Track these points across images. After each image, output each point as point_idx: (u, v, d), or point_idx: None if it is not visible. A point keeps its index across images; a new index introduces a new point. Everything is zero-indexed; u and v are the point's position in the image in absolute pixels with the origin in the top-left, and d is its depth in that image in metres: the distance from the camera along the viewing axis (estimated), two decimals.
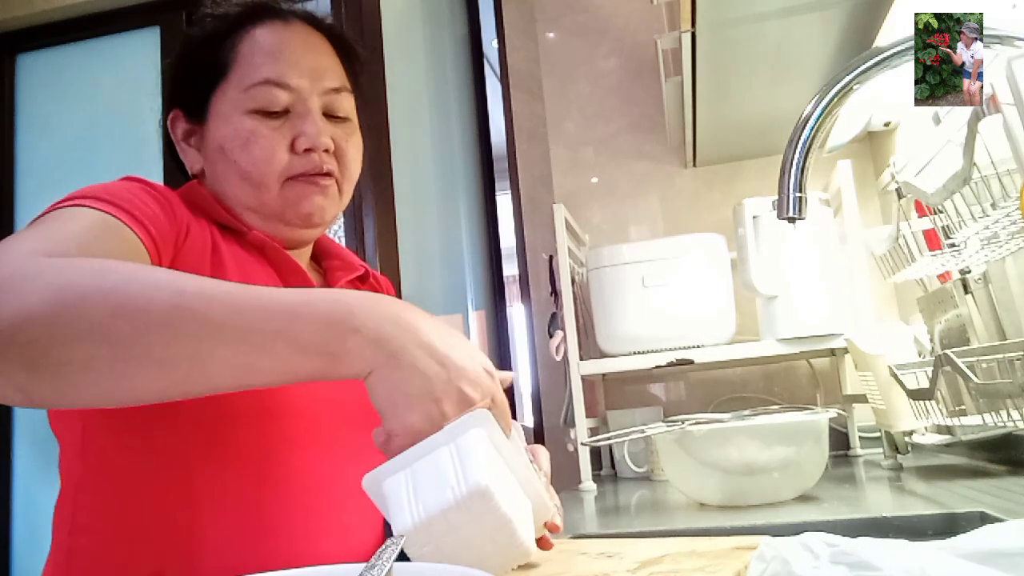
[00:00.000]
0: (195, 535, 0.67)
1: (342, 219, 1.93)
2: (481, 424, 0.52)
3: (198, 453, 0.68)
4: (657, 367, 1.51)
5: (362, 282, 0.91)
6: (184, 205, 0.75)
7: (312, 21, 0.83)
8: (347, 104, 0.83)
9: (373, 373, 0.52)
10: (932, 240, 1.16)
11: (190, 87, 0.81)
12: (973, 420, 1.03)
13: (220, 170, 0.79)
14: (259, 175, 0.77)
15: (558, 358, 1.60)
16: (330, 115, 0.81)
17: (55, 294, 0.49)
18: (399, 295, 1.86)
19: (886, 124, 1.63)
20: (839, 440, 1.57)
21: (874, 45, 1.23)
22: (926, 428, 1.25)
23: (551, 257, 1.68)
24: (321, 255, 0.92)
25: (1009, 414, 0.89)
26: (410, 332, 0.53)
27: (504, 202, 2.34)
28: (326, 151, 0.79)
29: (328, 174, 0.79)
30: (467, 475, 0.48)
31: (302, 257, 0.86)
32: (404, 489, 0.50)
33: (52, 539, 0.72)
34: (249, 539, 0.68)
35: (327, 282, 0.88)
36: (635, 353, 1.53)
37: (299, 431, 0.72)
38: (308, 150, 0.78)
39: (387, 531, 0.77)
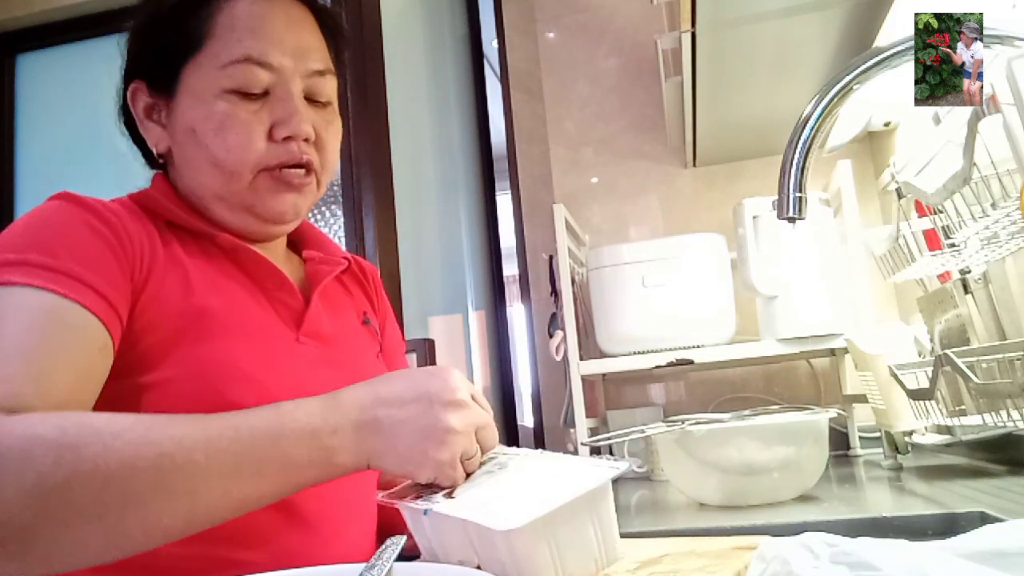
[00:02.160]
0: (181, 563, 0.64)
1: (342, 219, 1.93)
2: (605, 496, 0.55)
3: None
4: (657, 367, 1.51)
5: (345, 275, 0.87)
6: (138, 217, 0.69)
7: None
8: (330, 88, 0.76)
9: (370, 458, 0.56)
10: (932, 240, 1.16)
11: (157, 57, 0.73)
12: (973, 420, 1.03)
13: (189, 154, 0.73)
14: (233, 163, 0.70)
15: (558, 358, 1.60)
16: (311, 99, 0.74)
17: (34, 484, 0.48)
18: (399, 294, 1.86)
19: (886, 124, 1.63)
20: (839, 440, 1.57)
21: (874, 45, 1.23)
22: (926, 428, 1.25)
23: (551, 257, 1.68)
24: (300, 243, 0.85)
25: (1009, 414, 0.89)
26: (377, 405, 0.57)
27: (504, 202, 2.34)
28: (306, 140, 0.72)
29: (307, 166, 0.73)
30: (609, 552, 0.55)
31: (277, 248, 0.81)
32: (549, 553, 0.51)
33: None
34: (243, 547, 0.66)
35: (308, 278, 0.81)
36: (635, 353, 1.53)
37: None
38: (288, 139, 0.71)
39: (380, 536, 0.77)
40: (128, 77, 0.76)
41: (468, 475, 0.58)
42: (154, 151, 0.76)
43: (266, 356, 0.69)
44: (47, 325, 0.58)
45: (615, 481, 0.55)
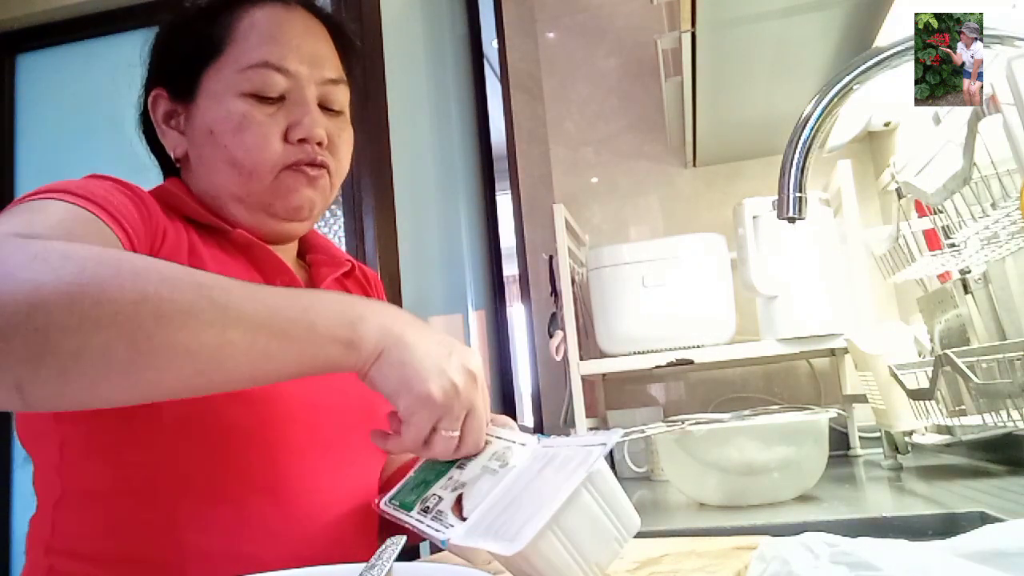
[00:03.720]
0: (183, 552, 0.64)
1: (342, 219, 1.93)
2: (601, 474, 0.53)
3: (184, 471, 0.65)
4: (657, 367, 1.51)
5: (347, 277, 0.88)
6: (158, 206, 0.71)
7: (312, 8, 0.80)
8: (343, 97, 0.79)
9: (382, 356, 0.56)
10: (932, 240, 1.16)
11: (178, 64, 0.76)
12: (973, 420, 1.03)
13: (207, 155, 0.75)
14: (251, 163, 0.73)
15: (558, 358, 1.60)
16: (325, 107, 0.77)
17: (71, 277, 0.46)
18: (399, 294, 1.86)
19: (886, 124, 1.63)
20: (839, 440, 1.57)
21: (874, 45, 1.23)
22: (926, 428, 1.25)
23: (551, 257, 1.68)
24: (306, 249, 0.88)
25: (1009, 414, 0.89)
26: (407, 321, 0.58)
27: (504, 202, 2.34)
28: (319, 144, 0.75)
29: (321, 164, 0.76)
30: (626, 524, 0.52)
31: (288, 253, 0.83)
32: (565, 551, 0.50)
33: (27, 557, 0.69)
34: (236, 554, 0.65)
35: (312, 278, 0.84)
36: (635, 353, 1.53)
37: (289, 444, 0.69)
38: (302, 140, 0.74)
39: (381, 536, 0.77)
40: (149, 86, 0.79)
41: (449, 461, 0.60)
42: (172, 155, 0.78)
43: None
44: (80, 224, 0.59)
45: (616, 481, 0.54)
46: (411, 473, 0.66)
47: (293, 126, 0.74)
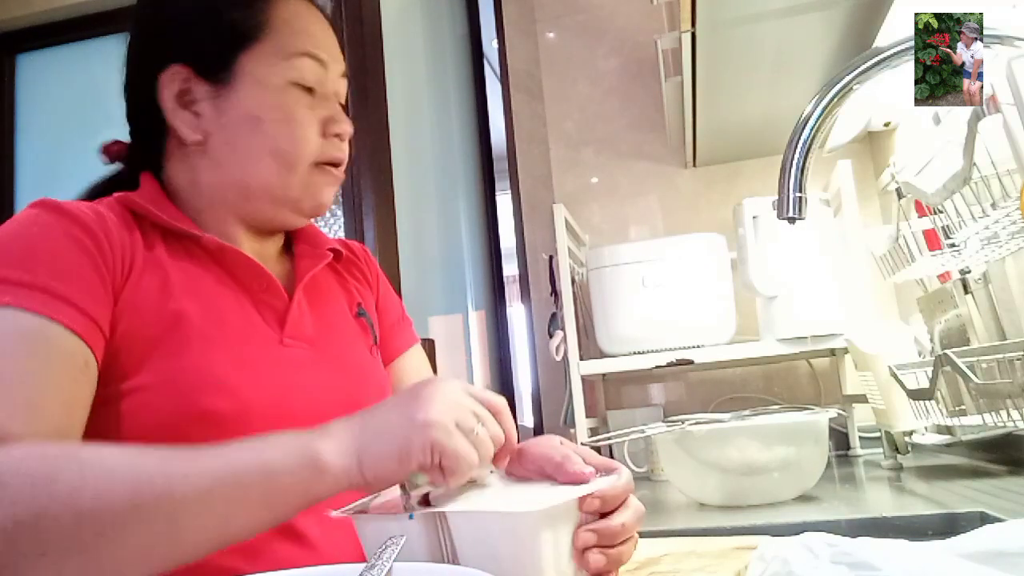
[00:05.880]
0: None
1: (342, 219, 1.93)
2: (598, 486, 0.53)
3: None
4: (657, 367, 1.51)
5: (338, 262, 0.85)
6: (122, 219, 0.68)
7: (319, 8, 0.81)
8: (346, 91, 0.80)
9: (360, 454, 0.52)
10: (932, 240, 1.16)
11: (213, 42, 0.72)
12: (973, 420, 1.03)
13: (244, 143, 0.72)
14: (294, 155, 0.72)
15: (558, 358, 1.60)
16: (337, 100, 0.78)
17: (6, 517, 0.46)
18: (399, 294, 1.86)
19: (886, 124, 1.63)
20: (839, 440, 1.57)
21: (874, 45, 1.23)
22: (926, 428, 1.25)
23: (551, 257, 1.69)
24: (294, 237, 0.84)
25: (1009, 414, 0.89)
26: (363, 414, 0.55)
27: (504, 202, 2.34)
28: (340, 137, 0.76)
29: (342, 163, 0.76)
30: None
31: (275, 246, 0.81)
32: (552, 548, 0.50)
33: None
34: (220, 568, 0.63)
35: (294, 271, 0.80)
36: (635, 353, 1.53)
37: None
38: (336, 135, 0.74)
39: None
40: (157, 62, 0.73)
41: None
42: (189, 140, 0.73)
43: (244, 361, 0.67)
44: (29, 350, 0.57)
45: None
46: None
47: (330, 121, 0.74)
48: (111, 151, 0.81)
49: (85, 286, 0.62)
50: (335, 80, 0.76)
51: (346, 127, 0.75)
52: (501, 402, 0.56)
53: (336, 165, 0.76)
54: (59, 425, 0.57)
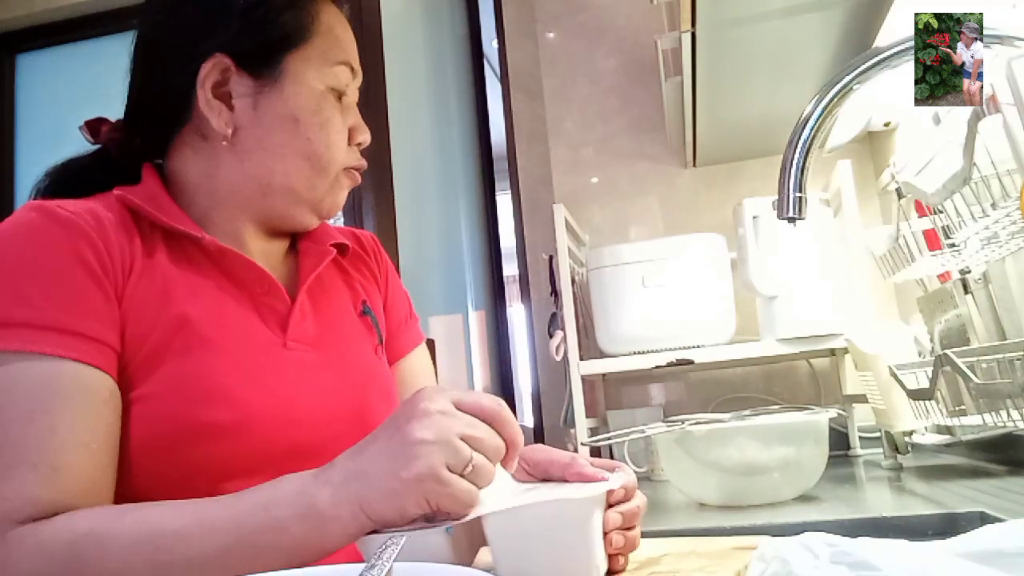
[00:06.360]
0: None
1: (342, 219, 1.93)
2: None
3: (160, 498, 0.62)
4: (657, 367, 1.51)
5: (344, 257, 0.84)
6: (121, 220, 0.67)
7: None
8: None
9: (361, 504, 0.51)
10: (932, 240, 1.16)
11: (265, 38, 0.72)
12: (973, 420, 1.03)
13: (278, 141, 0.72)
14: (327, 159, 0.73)
15: (558, 358, 1.60)
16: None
17: None
18: None
19: (886, 124, 1.63)
20: (839, 440, 1.57)
21: (874, 45, 1.23)
22: (926, 428, 1.25)
23: (551, 257, 1.69)
24: (299, 234, 0.83)
25: (1009, 414, 0.89)
26: (358, 453, 0.54)
27: (504, 202, 2.34)
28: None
29: (361, 171, 0.79)
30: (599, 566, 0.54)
31: (283, 243, 0.80)
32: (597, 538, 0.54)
33: None
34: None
35: (299, 270, 0.78)
36: (635, 353, 1.53)
37: (268, 470, 0.64)
38: (359, 144, 0.77)
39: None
40: (202, 49, 0.71)
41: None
42: (222, 131, 0.71)
43: (247, 367, 0.67)
44: (44, 404, 0.57)
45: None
46: None
47: (355, 130, 0.76)
48: (100, 131, 0.80)
49: (91, 309, 0.61)
50: (356, 90, 0.78)
51: (367, 136, 0.77)
52: (495, 406, 0.53)
53: (357, 171, 0.78)
54: (86, 477, 0.58)
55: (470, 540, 0.54)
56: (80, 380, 0.59)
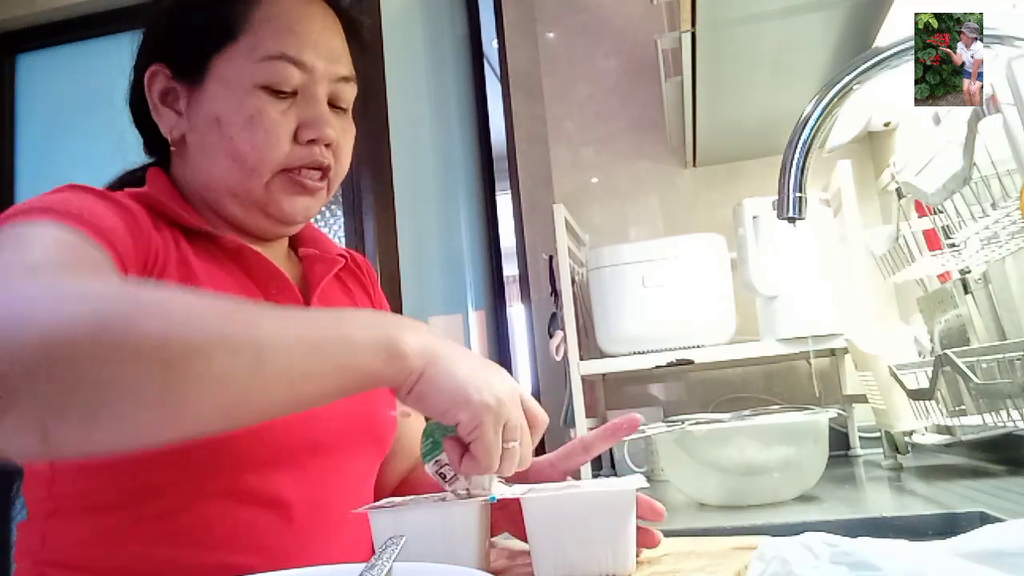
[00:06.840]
0: (176, 564, 0.63)
1: (342, 219, 1.93)
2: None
3: (176, 485, 0.64)
4: (657, 367, 1.51)
5: (344, 272, 0.85)
6: (146, 215, 0.68)
7: (333, 5, 0.77)
8: (351, 95, 0.77)
9: (427, 371, 0.54)
10: (932, 240, 1.16)
11: (186, 43, 0.72)
12: (973, 420, 1.03)
13: (208, 143, 0.71)
14: (256, 160, 0.70)
15: (558, 358, 1.59)
16: (333, 104, 0.75)
17: (91, 315, 0.43)
18: (399, 294, 1.86)
19: (886, 124, 1.63)
20: (839, 440, 1.57)
21: (874, 45, 1.23)
22: (926, 428, 1.25)
23: (551, 257, 1.68)
24: (297, 240, 0.84)
25: (1009, 414, 0.89)
26: (442, 337, 0.57)
27: (504, 202, 2.34)
28: (327, 145, 0.73)
29: (324, 170, 0.73)
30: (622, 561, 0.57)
31: (280, 248, 0.81)
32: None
33: (17, 566, 0.67)
34: (230, 565, 0.64)
35: (306, 275, 0.80)
36: (635, 353, 1.53)
37: (284, 455, 0.67)
38: (312, 141, 0.72)
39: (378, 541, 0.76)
40: (146, 59, 0.75)
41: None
42: (168, 137, 0.74)
43: None
44: (71, 250, 0.56)
45: None
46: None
47: (304, 126, 0.72)
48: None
49: (122, 239, 0.62)
50: (326, 83, 0.73)
51: (325, 132, 0.72)
52: (542, 420, 0.59)
53: (315, 170, 0.73)
54: None
55: (488, 524, 0.60)
56: (106, 260, 0.59)
